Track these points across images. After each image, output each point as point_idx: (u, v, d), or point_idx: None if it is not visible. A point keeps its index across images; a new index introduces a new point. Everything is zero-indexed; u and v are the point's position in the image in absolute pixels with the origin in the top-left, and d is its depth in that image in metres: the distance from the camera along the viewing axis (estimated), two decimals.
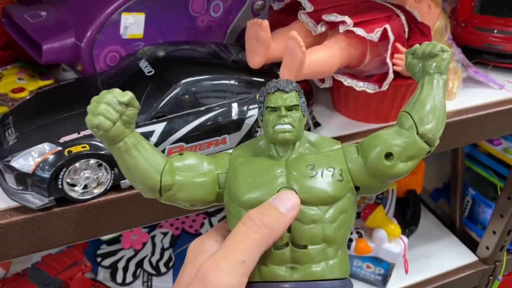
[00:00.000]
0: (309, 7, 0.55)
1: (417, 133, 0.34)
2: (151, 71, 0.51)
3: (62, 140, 0.45)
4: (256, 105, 0.52)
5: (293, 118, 0.35)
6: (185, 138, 0.50)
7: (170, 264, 0.92)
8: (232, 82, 0.52)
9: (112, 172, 0.47)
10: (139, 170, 0.34)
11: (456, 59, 0.71)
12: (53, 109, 0.49)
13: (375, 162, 0.34)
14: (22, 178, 0.45)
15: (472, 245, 1.01)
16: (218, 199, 0.37)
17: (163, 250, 0.95)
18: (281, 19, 0.60)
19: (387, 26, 0.52)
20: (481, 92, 0.71)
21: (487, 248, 0.96)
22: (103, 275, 0.90)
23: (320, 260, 0.34)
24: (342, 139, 0.58)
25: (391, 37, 0.52)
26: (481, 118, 0.66)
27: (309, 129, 0.58)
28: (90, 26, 0.54)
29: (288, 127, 0.35)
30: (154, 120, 0.48)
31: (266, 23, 0.51)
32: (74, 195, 0.46)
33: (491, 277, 1.00)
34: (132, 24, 0.56)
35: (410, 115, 0.35)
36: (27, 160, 0.44)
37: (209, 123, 0.50)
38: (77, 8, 0.57)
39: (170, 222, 1.00)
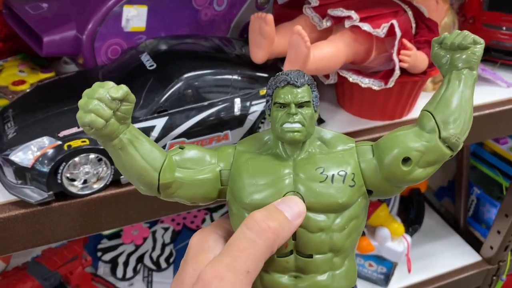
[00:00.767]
0: (315, 1, 0.55)
1: (439, 137, 0.31)
2: (153, 65, 0.50)
3: (61, 134, 0.45)
4: (259, 101, 0.51)
5: (304, 115, 0.32)
6: (187, 134, 0.49)
7: (171, 260, 0.92)
8: (235, 77, 0.51)
9: (112, 167, 0.47)
10: (135, 168, 0.31)
11: None
12: (53, 103, 0.49)
13: (391, 167, 0.31)
14: (21, 172, 0.44)
15: (476, 245, 1.00)
16: (221, 196, 0.35)
17: (164, 245, 0.94)
18: (285, 13, 0.59)
19: (394, 22, 0.51)
20: (488, 90, 0.70)
21: (491, 248, 0.95)
22: (103, 269, 0.89)
23: (326, 270, 0.32)
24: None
25: (398, 33, 0.52)
26: (488, 116, 0.65)
27: None
28: (91, 18, 0.53)
29: (297, 126, 0.31)
30: (155, 115, 0.47)
31: (270, 17, 0.50)
32: (73, 190, 0.46)
33: (494, 277, 0.99)
34: (134, 17, 0.55)
35: (433, 116, 0.31)
36: (26, 154, 0.44)
37: (211, 118, 0.49)
38: (78, 0, 0.56)
39: (171, 217, 1.00)
